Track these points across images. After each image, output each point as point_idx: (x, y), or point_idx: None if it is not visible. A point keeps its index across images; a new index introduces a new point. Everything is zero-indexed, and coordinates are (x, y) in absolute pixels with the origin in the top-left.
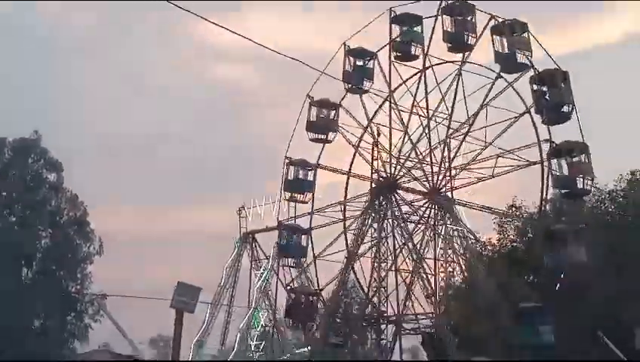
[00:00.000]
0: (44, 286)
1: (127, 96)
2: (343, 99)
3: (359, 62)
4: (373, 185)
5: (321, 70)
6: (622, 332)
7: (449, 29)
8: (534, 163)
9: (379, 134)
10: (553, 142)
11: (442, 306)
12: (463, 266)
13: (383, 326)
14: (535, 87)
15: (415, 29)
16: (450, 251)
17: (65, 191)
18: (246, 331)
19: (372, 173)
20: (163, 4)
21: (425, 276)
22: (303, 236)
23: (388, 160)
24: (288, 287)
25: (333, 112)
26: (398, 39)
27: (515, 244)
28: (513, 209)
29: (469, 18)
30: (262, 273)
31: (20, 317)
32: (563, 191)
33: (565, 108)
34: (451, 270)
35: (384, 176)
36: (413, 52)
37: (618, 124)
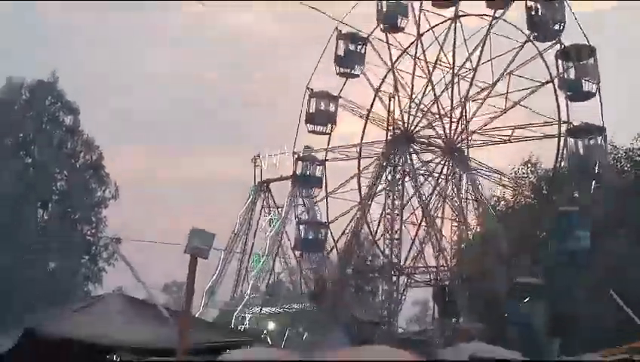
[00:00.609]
0: (59, 228)
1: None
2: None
3: (351, 47)
4: (390, 136)
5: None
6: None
7: None
8: (544, 84)
9: (400, 82)
10: (571, 123)
11: (455, 259)
12: (477, 220)
13: (394, 278)
14: (560, 61)
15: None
16: (465, 203)
17: (81, 134)
18: (258, 279)
19: (387, 123)
20: None
21: (437, 229)
22: (318, 167)
23: (407, 109)
24: (297, 219)
25: (332, 105)
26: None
27: (530, 200)
28: (529, 165)
29: None
30: (271, 218)
31: (35, 259)
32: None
33: (588, 87)
34: (464, 224)
35: (401, 128)
36: (399, 24)
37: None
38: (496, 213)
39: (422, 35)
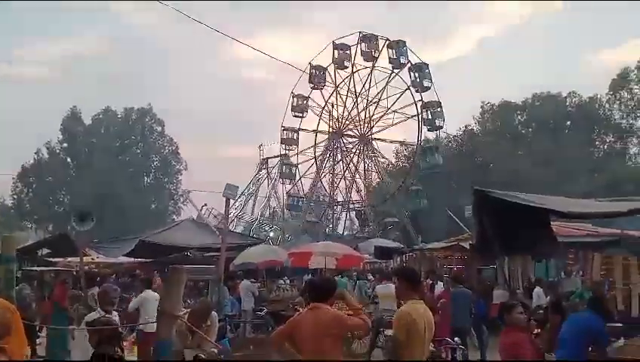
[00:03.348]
0: (155, 187)
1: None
2: (310, 93)
3: (318, 72)
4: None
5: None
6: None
7: (363, 49)
8: (413, 116)
9: (332, 106)
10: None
11: (366, 196)
12: (378, 176)
13: (336, 207)
14: (411, 73)
15: (347, 52)
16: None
17: (165, 135)
18: (265, 210)
19: (329, 127)
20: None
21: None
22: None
23: (337, 120)
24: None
25: (305, 101)
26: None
27: (404, 164)
28: (404, 143)
29: (373, 42)
30: (271, 180)
31: (143, 204)
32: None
33: (427, 84)
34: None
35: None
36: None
37: None
38: (386, 170)
39: (354, 72)
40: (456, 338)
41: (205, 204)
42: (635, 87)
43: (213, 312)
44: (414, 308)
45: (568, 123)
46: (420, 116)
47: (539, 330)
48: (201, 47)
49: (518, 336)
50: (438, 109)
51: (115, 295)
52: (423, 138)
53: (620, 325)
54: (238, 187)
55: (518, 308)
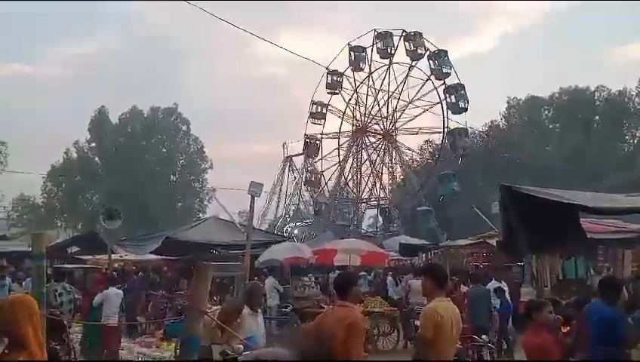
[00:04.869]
0: (182, 185)
1: None
2: (330, 100)
3: (336, 77)
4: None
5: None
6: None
7: (379, 47)
8: (437, 103)
9: (354, 107)
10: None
11: (390, 193)
12: (402, 172)
13: (361, 205)
14: (430, 62)
15: (362, 53)
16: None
17: (191, 135)
18: (289, 208)
19: (352, 126)
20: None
21: (380, 177)
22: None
23: (358, 120)
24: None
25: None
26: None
27: (429, 160)
28: (429, 141)
29: (389, 38)
30: (295, 177)
31: (170, 202)
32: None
33: (446, 70)
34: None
35: (360, 124)
36: (361, 66)
37: None
38: (410, 168)
39: (372, 72)
40: (483, 336)
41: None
42: None
43: (245, 309)
44: (442, 306)
45: (597, 117)
46: (445, 101)
47: (567, 328)
48: (218, 46)
49: (544, 338)
50: (462, 92)
51: None
52: (448, 123)
53: None
54: (262, 184)
55: (549, 306)
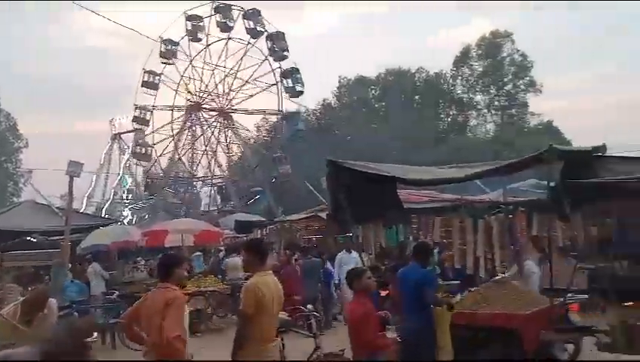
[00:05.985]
0: None
1: None
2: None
3: (170, 46)
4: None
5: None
6: None
7: (218, 20)
8: (273, 85)
9: (188, 80)
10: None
11: (227, 170)
12: (239, 149)
13: (197, 183)
14: (268, 42)
15: (200, 23)
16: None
17: (2, 110)
18: (119, 189)
19: (187, 101)
20: None
21: (216, 155)
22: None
23: (194, 94)
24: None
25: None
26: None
27: (265, 138)
28: (264, 118)
29: (228, 12)
30: (126, 157)
31: None
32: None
33: (284, 53)
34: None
35: (193, 101)
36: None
37: None
38: (247, 144)
39: (209, 44)
40: (309, 306)
41: None
42: (475, 63)
43: (51, 299)
44: (263, 281)
45: (417, 97)
46: (280, 84)
47: (387, 292)
48: (36, 12)
49: (367, 305)
50: (297, 75)
51: None
52: (283, 107)
53: (458, 282)
54: (82, 164)
55: (367, 273)
